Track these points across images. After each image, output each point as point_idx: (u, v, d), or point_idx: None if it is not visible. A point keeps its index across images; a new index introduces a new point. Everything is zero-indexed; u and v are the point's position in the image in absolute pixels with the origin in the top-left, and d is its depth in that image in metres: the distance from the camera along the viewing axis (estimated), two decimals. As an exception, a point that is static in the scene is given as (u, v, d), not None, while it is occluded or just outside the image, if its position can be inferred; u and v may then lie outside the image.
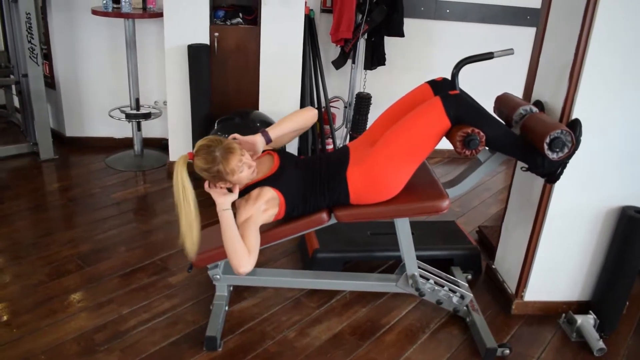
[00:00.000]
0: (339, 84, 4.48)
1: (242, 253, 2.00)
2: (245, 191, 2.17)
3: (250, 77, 3.93)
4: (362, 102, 4.31)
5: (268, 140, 2.22)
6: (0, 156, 4.12)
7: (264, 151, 2.31)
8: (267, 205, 2.15)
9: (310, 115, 2.35)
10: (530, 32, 4.60)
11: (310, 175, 2.26)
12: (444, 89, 2.24)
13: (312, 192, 2.23)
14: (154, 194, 3.79)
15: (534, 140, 2.11)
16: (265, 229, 2.27)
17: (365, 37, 4.19)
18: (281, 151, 2.37)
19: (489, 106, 2.30)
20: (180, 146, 4.04)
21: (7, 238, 3.08)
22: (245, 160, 2.06)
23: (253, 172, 2.12)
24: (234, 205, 2.14)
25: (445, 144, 2.25)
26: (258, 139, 2.19)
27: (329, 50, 4.36)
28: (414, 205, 2.22)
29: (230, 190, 2.12)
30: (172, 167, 3.97)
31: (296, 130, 2.34)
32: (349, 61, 4.27)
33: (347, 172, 2.20)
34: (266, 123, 3.66)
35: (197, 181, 2.11)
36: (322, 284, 2.65)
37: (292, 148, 4.15)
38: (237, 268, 2.00)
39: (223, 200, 2.08)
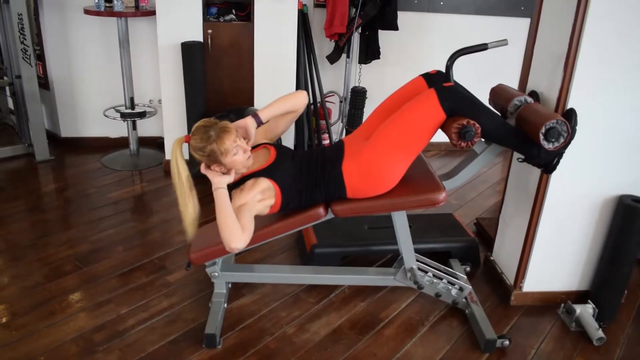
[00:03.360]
0: (333, 79, 4.48)
1: (236, 228, 2.01)
2: (241, 182, 2.17)
3: (244, 74, 3.92)
4: (358, 96, 4.30)
5: (259, 122, 2.20)
6: (-5, 158, 4.11)
7: (261, 144, 2.31)
8: (262, 195, 2.15)
9: (300, 98, 2.32)
10: (525, 23, 4.59)
11: (306, 169, 2.26)
12: (439, 82, 2.23)
13: (308, 186, 2.23)
14: (151, 192, 3.78)
15: (530, 131, 2.11)
16: (262, 225, 2.27)
17: (359, 31, 4.18)
18: (278, 145, 2.37)
19: (484, 98, 2.29)
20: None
21: (4, 240, 3.07)
22: (239, 143, 2.07)
23: (248, 157, 2.12)
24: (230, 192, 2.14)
25: (441, 137, 2.25)
26: (249, 122, 2.17)
27: (323, 45, 4.35)
28: (410, 198, 2.21)
29: (225, 174, 2.13)
30: (168, 166, 3.97)
31: (287, 112, 2.30)
32: (344, 56, 4.26)
33: (342, 167, 2.20)
34: (261, 119, 3.66)
35: (197, 179, 2.14)
36: (321, 279, 2.65)
37: (289, 143, 4.15)
38: (228, 243, 2.00)
39: (219, 180, 2.09)
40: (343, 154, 2.26)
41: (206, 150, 2.04)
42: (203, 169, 2.13)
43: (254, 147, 2.27)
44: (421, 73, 2.38)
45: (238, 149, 2.06)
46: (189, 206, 2.12)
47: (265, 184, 2.15)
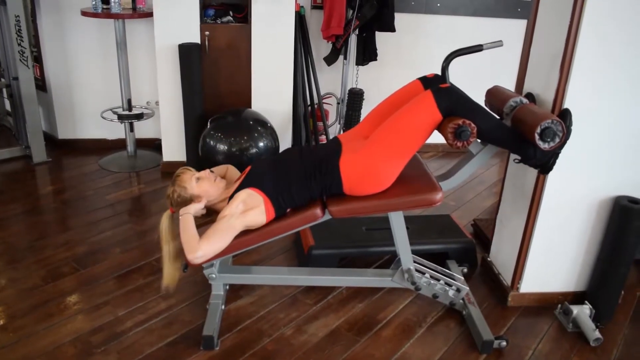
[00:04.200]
0: (331, 80, 4.48)
1: (192, 241, 2.13)
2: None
3: (242, 76, 3.93)
4: (355, 97, 4.30)
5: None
6: (-8, 160, 4.11)
7: (242, 172, 2.47)
8: (244, 205, 2.20)
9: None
10: (521, 25, 4.60)
11: (293, 162, 2.32)
12: (435, 85, 2.24)
13: (299, 178, 2.24)
14: (148, 194, 3.78)
15: (525, 131, 2.12)
16: (259, 227, 2.27)
17: (357, 32, 4.18)
18: (254, 161, 2.58)
19: (480, 99, 2.30)
20: (173, 146, 4.04)
21: (1, 242, 3.06)
22: (197, 174, 2.31)
23: (216, 179, 2.32)
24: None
25: (438, 138, 2.26)
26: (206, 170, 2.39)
27: (320, 47, 4.36)
28: (407, 198, 2.22)
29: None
30: (166, 168, 3.98)
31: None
32: (341, 57, 4.27)
33: (340, 160, 2.21)
34: (259, 121, 3.67)
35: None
36: (318, 280, 2.65)
37: (286, 145, 4.14)
38: (187, 255, 2.11)
39: (185, 209, 2.26)
40: (341, 149, 2.27)
41: (174, 196, 2.28)
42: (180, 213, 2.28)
43: (238, 178, 2.43)
44: (418, 76, 2.39)
45: (200, 178, 2.29)
46: (172, 264, 2.29)
47: (243, 194, 2.22)
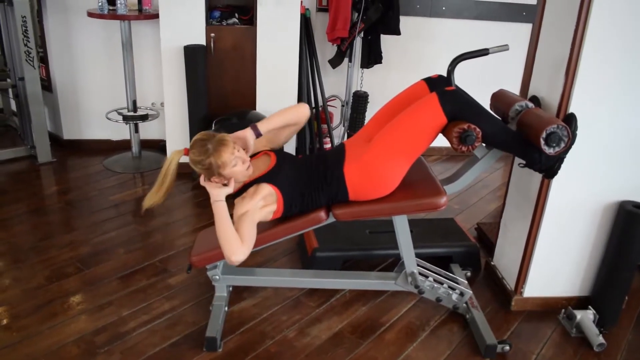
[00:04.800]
0: (336, 83, 4.48)
1: (235, 241, 2.01)
2: (243, 189, 2.18)
3: (247, 77, 3.93)
4: (360, 100, 4.31)
5: (258, 134, 2.21)
6: (-2, 160, 4.12)
7: (261, 151, 2.32)
8: (264, 201, 2.16)
9: (302, 111, 2.33)
10: (526, 29, 4.60)
11: (307, 172, 2.27)
12: (440, 86, 2.24)
13: (310, 190, 2.24)
14: (153, 195, 3.78)
15: (531, 136, 2.11)
16: (263, 229, 2.27)
17: (362, 35, 4.19)
18: (279, 151, 2.38)
19: (485, 103, 2.30)
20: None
21: (6, 242, 3.07)
22: (238, 154, 2.07)
23: (248, 167, 2.13)
24: (231, 202, 2.14)
25: (443, 142, 2.25)
26: (248, 133, 2.19)
27: (325, 49, 4.36)
28: (412, 202, 2.22)
29: (225, 185, 2.13)
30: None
31: (287, 124, 2.31)
32: (346, 60, 4.27)
33: (344, 169, 2.21)
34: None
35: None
36: (322, 283, 2.65)
37: (290, 147, 4.15)
38: (229, 256, 2.00)
39: (217, 192, 2.09)
40: (344, 156, 2.27)
41: (205, 164, 2.05)
42: (202, 181, 2.15)
43: (254, 155, 2.29)
44: (423, 77, 2.39)
45: (237, 160, 2.07)
46: (157, 195, 2.19)
47: (266, 189, 2.15)
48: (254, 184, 2.17)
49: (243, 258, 2.01)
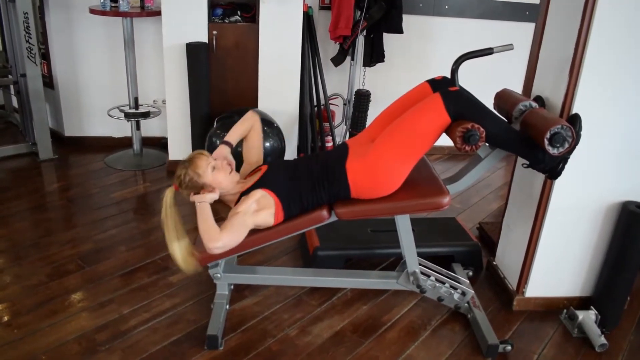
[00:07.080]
0: (338, 81, 4.47)
1: (213, 230, 2.08)
2: (238, 201, 2.25)
3: (249, 75, 3.93)
4: (362, 99, 4.30)
5: (230, 145, 2.37)
6: (-1, 157, 4.12)
7: (255, 169, 2.45)
8: (258, 204, 2.19)
9: (249, 115, 2.48)
10: (529, 28, 4.58)
11: (306, 170, 2.30)
12: (444, 87, 2.23)
13: (310, 187, 2.25)
14: (154, 193, 3.78)
15: (534, 136, 2.11)
16: (266, 228, 2.27)
17: (364, 33, 4.18)
18: (271, 161, 2.48)
19: (488, 102, 2.29)
20: (179, 145, 4.04)
21: (7, 239, 3.07)
22: (214, 163, 2.22)
23: (231, 172, 2.27)
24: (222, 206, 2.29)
25: (445, 141, 2.25)
26: (224, 149, 2.35)
27: (327, 48, 4.35)
28: (414, 201, 2.21)
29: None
30: (171, 166, 3.98)
31: (246, 130, 2.45)
32: (348, 58, 4.26)
33: (346, 165, 2.22)
34: (265, 121, 3.66)
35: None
36: (323, 281, 2.64)
37: (292, 146, 4.14)
38: (207, 243, 2.06)
39: (201, 197, 2.19)
40: (347, 153, 2.28)
41: (186, 180, 2.18)
42: (191, 198, 2.22)
43: (250, 173, 2.42)
44: (426, 79, 2.39)
45: (214, 168, 2.20)
46: (181, 242, 2.18)
47: (258, 193, 2.21)
48: (246, 193, 2.25)
49: (221, 245, 2.07)
